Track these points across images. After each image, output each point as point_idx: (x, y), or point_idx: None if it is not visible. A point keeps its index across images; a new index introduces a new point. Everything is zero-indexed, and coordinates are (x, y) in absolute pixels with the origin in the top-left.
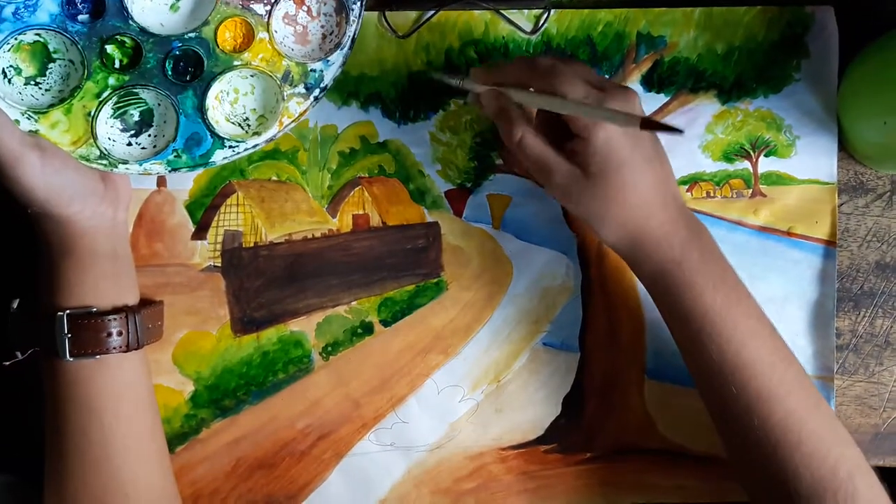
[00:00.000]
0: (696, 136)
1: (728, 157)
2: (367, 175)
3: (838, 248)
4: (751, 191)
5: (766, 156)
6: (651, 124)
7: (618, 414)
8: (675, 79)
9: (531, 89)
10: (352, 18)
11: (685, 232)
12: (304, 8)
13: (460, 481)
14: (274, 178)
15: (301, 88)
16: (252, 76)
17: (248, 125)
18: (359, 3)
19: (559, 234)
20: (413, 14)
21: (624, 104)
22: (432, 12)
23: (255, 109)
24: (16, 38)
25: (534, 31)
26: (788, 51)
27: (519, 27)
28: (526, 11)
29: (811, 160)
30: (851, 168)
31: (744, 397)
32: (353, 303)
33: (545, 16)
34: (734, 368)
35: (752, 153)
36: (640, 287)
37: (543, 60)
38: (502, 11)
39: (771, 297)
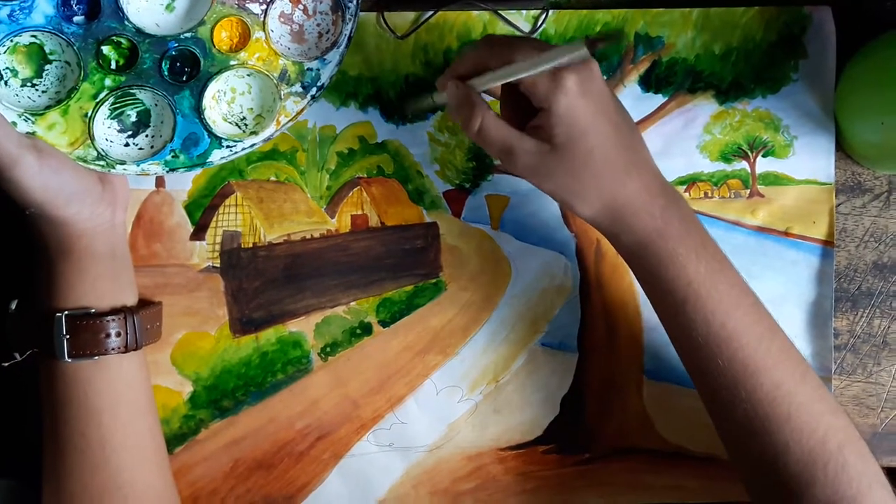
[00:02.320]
0: (693, 137)
1: (726, 158)
2: (365, 175)
3: (836, 249)
4: (748, 191)
5: (763, 156)
6: (594, 39)
7: (616, 414)
8: (673, 79)
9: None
10: (347, 17)
11: (663, 199)
12: (300, 7)
13: (459, 482)
14: (272, 178)
15: (298, 87)
16: (249, 76)
17: (246, 125)
18: (354, 2)
19: (557, 235)
20: (411, 15)
21: (581, 69)
22: (431, 13)
23: (251, 109)
24: (11, 40)
25: (532, 32)
26: (786, 51)
27: (517, 28)
28: (524, 12)
29: (809, 160)
30: (849, 168)
31: (730, 370)
32: (352, 303)
33: (543, 16)
34: (720, 340)
35: (749, 153)
36: (639, 287)
37: (493, 36)
38: (500, 12)
39: (769, 298)
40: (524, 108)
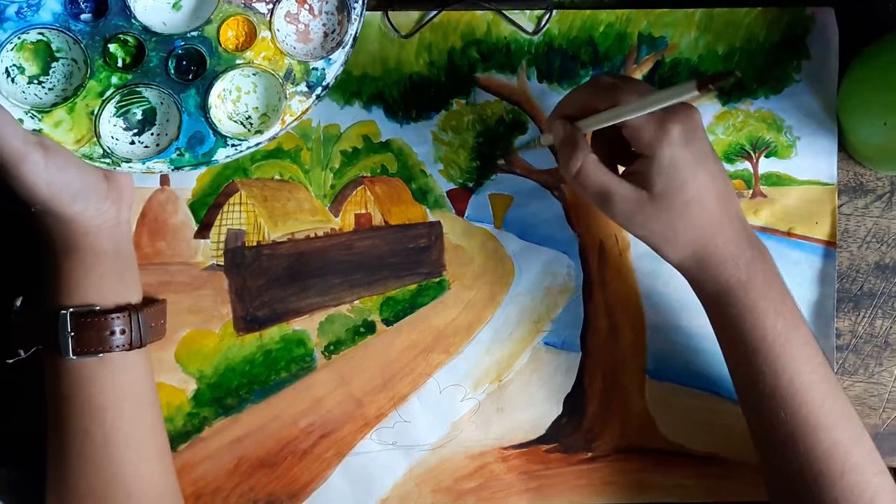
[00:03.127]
0: None
1: (729, 158)
2: (369, 174)
3: (838, 249)
4: (751, 191)
5: (766, 156)
6: (707, 80)
7: (619, 414)
8: (676, 79)
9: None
10: (353, 17)
11: (750, 252)
12: (306, 6)
13: (462, 480)
14: (277, 177)
15: (303, 87)
16: (254, 75)
17: (251, 123)
18: (360, 2)
19: (561, 234)
20: (415, 14)
21: (685, 119)
22: (435, 12)
23: (257, 108)
24: (19, 38)
25: (536, 32)
26: (789, 52)
27: (521, 27)
28: (528, 12)
29: (811, 161)
30: (851, 169)
31: (791, 424)
32: (356, 302)
33: (547, 16)
34: (786, 395)
35: (752, 154)
36: (641, 287)
37: (604, 78)
38: (504, 12)
39: None
40: (617, 151)
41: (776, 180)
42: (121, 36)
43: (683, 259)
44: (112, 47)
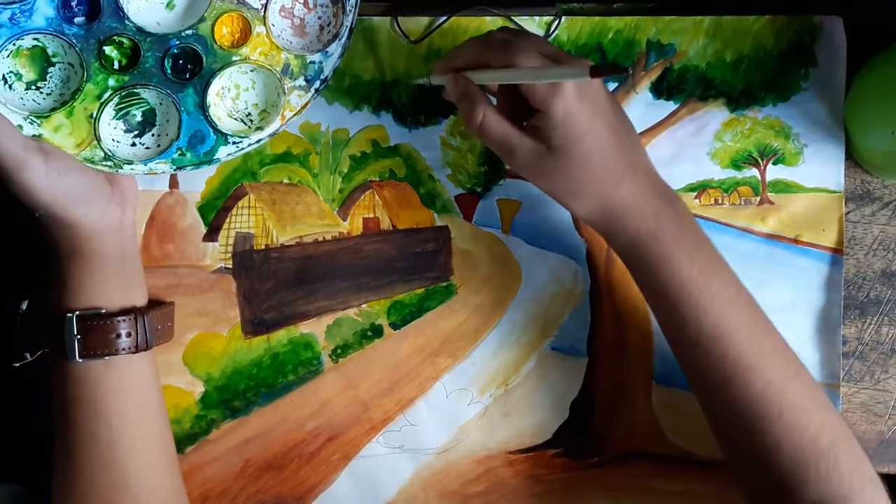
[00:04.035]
0: (704, 144)
1: (736, 165)
2: (377, 179)
3: (845, 256)
4: (759, 198)
5: (773, 164)
6: (599, 70)
7: (625, 419)
8: (685, 86)
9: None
10: (348, 8)
11: (657, 201)
12: (300, 0)
13: (468, 484)
14: (285, 180)
15: (301, 81)
16: (252, 71)
17: (251, 120)
18: None
19: (568, 240)
20: (425, 20)
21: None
22: (444, 18)
23: (256, 104)
24: (14, 44)
25: (545, 38)
26: (797, 60)
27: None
28: (537, 18)
29: (819, 168)
30: (858, 177)
31: (722, 368)
32: (363, 305)
33: (556, 23)
34: (712, 339)
35: (760, 161)
36: None
37: (497, 34)
38: (514, 18)
39: (778, 305)
40: (521, 104)
41: (783, 187)
42: (115, 38)
43: (590, 212)
44: (107, 49)
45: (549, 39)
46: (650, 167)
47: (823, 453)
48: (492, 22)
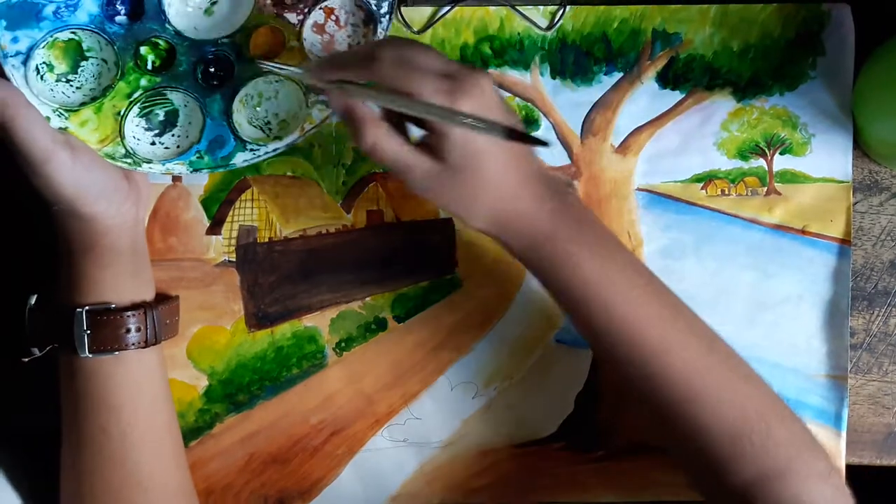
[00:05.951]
0: (711, 134)
1: (743, 155)
2: (381, 171)
3: (853, 247)
4: (766, 189)
5: (781, 154)
6: (515, 136)
7: (630, 412)
8: (691, 76)
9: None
10: (379, 31)
11: (552, 203)
12: (333, 17)
13: (472, 478)
14: (289, 173)
15: (324, 96)
16: (277, 82)
17: (270, 129)
18: (387, 17)
19: None
20: (428, 10)
21: (480, 98)
22: (448, 8)
23: (276, 114)
24: (52, 36)
25: (549, 28)
26: (804, 48)
27: (534, 23)
28: (541, 7)
29: (826, 158)
30: (866, 167)
31: (637, 357)
32: (367, 299)
33: (561, 12)
34: (622, 331)
35: (767, 151)
36: None
37: (383, 53)
38: (518, 7)
39: (785, 296)
40: (408, 117)
41: (791, 178)
42: (153, 39)
43: (486, 225)
44: (143, 50)
45: (554, 29)
46: (544, 173)
47: (754, 424)
48: (496, 12)
